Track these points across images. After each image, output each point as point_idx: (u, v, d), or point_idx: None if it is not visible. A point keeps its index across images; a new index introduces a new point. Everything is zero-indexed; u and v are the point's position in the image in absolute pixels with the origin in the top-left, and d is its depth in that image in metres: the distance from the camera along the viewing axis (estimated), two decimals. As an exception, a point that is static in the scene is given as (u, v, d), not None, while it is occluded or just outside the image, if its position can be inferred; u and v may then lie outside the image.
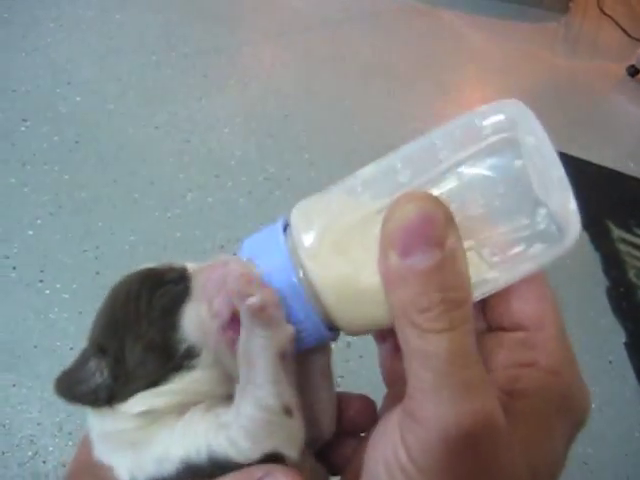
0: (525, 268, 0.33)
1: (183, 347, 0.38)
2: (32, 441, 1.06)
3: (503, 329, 0.36)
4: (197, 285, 0.40)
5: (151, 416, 0.38)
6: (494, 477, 0.30)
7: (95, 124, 1.53)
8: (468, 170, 0.32)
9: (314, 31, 2.11)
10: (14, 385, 1.09)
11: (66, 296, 1.19)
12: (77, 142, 1.46)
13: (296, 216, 0.35)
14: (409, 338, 0.29)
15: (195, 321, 0.38)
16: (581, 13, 2.85)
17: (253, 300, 0.34)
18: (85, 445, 0.40)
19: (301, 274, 0.34)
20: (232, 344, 0.38)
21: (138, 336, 0.38)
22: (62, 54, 1.74)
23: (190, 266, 0.42)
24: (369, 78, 1.97)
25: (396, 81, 1.99)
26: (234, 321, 0.38)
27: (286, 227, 0.36)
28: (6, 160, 1.40)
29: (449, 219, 0.29)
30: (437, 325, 0.28)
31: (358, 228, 0.33)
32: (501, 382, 0.33)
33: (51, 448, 1.07)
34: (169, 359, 0.38)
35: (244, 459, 0.34)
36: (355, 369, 1.16)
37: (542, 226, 0.31)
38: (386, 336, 0.43)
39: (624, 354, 1.43)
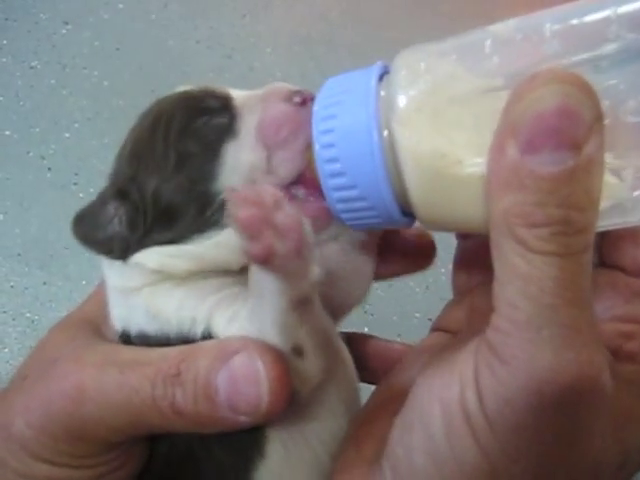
0: None
1: (218, 199, 0.32)
2: (59, 338, 1.08)
3: (622, 269, 0.29)
4: (247, 122, 0.33)
5: (159, 276, 0.33)
6: (581, 454, 0.24)
7: (136, 33, 1.49)
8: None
9: (365, -43, 2.03)
10: (45, 283, 1.10)
11: (99, 201, 1.19)
12: (118, 49, 1.43)
13: (400, 65, 0.27)
14: (508, 255, 0.23)
15: (241, 168, 0.32)
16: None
17: (272, 247, 0.25)
18: (97, 294, 0.37)
19: (386, 134, 0.27)
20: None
21: (164, 178, 0.32)
22: (106, -41, 1.69)
23: (235, 95, 0.34)
24: (416, 12, 1.89)
25: (444, 17, 1.90)
26: (298, 183, 0.32)
27: (382, 76, 0.29)
28: (47, 62, 1.38)
29: (597, 118, 0.22)
30: (548, 246, 0.23)
31: (471, 102, 0.25)
32: (607, 335, 0.27)
33: (77, 347, 1.09)
34: (198, 213, 0.32)
35: None
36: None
37: None
38: (470, 234, 0.36)
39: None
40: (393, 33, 1.79)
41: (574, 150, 0.22)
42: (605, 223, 0.25)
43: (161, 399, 0.29)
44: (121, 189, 0.34)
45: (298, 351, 0.30)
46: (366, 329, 1.16)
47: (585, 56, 0.24)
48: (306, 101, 0.32)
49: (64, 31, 1.45)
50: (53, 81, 1.34)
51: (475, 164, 0.25)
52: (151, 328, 0.33)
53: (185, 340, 0.31)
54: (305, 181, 0.32)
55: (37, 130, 1.26)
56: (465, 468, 0.24)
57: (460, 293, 0.37)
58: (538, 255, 0.23)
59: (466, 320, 0.35)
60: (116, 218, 0.34)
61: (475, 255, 0.36)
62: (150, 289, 0.33)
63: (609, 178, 0.24)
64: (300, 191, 0.32)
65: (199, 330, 0.31)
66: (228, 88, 0.35)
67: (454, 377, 0.26)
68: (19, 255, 1.11)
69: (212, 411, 0.29)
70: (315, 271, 0.28)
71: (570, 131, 0.22)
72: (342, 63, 1.60)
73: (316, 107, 0.30)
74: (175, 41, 1.51)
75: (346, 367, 0.37)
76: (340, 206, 0.29)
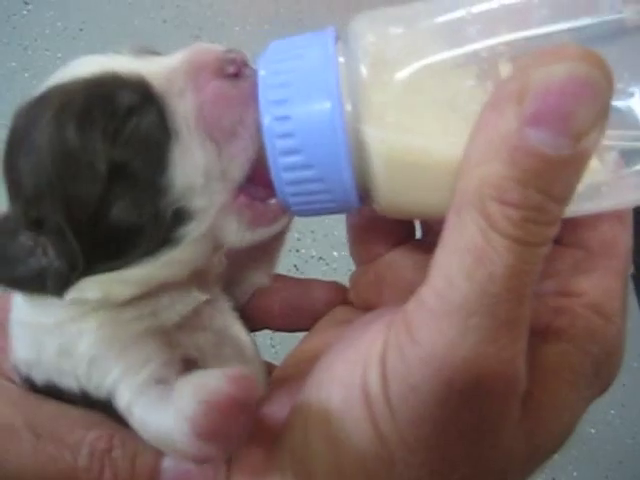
0: None
1: (171, 214, 0.26)
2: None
3: (557, 240, 0.26)
4: (182, 113, 0.26)
5: (86, 308, 0.28)
6: (487, 451, 0.23)
7: (101, 13, 1.45)
8: None
9: None
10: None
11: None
12: (81, 30, 1.40)
13: (361, 31, 0.24)
14: (467, 226, 0.21)
15: (194, 175, 0.26)
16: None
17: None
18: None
19: (349, 108, 0.24)
20: (246, 213, 0.27)
21: (97, 201, 0.26)
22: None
23: (149, 75, 0.27)
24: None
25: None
26: (253, 178, 0.27)
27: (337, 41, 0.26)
28: (7, 43, 1.34)
29: (606, 111, 0.20)
30: (514, 230, 0.20)
31: (445, 77, 0.23)
32: (536, 312, 0.24)
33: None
34: (150, 237, 0.27)
35: None
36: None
37: None
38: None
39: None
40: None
41: (575, 139, 0.20)
42: (574, 208, 0.22)
43: (85, 472, 0.27)
44: (35, 218, 0.27)
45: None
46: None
47: (572, 25, 0.21)
48: (241, 70, 0.27)
49: (25, 12, 1.41)
50: (14, 64, 1.31)
51: (449, 144, 0.23)
52: (59, 383, 0.29)
53: (88, 397, 0.28)
54: (259, 174, 0.27)
55: (-1, 114, 1.23)
56: (362, 454, 0.23)
57: (362, 263, 0.35)
58: (500, 236, 0.20)
59: (375, 291, 0.33)
60: (38, 249, 0.27)
61: (367, 230, 0.34)
62: (57, 334, 0.29)
63: (593, 161, 0.22)
64: (257, 190, 0.28)
65: (103, 393, 0.28)
66: (134, 64, 0.28)
67: (359, 356, 0.24)
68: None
69: None
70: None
71: (579, 118, 0.20)
72: (312, 42, 1.57)
73: (263, 72, 0.26)
74: (141, 20, 1.47)
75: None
76: (290, 189, 0.26)
